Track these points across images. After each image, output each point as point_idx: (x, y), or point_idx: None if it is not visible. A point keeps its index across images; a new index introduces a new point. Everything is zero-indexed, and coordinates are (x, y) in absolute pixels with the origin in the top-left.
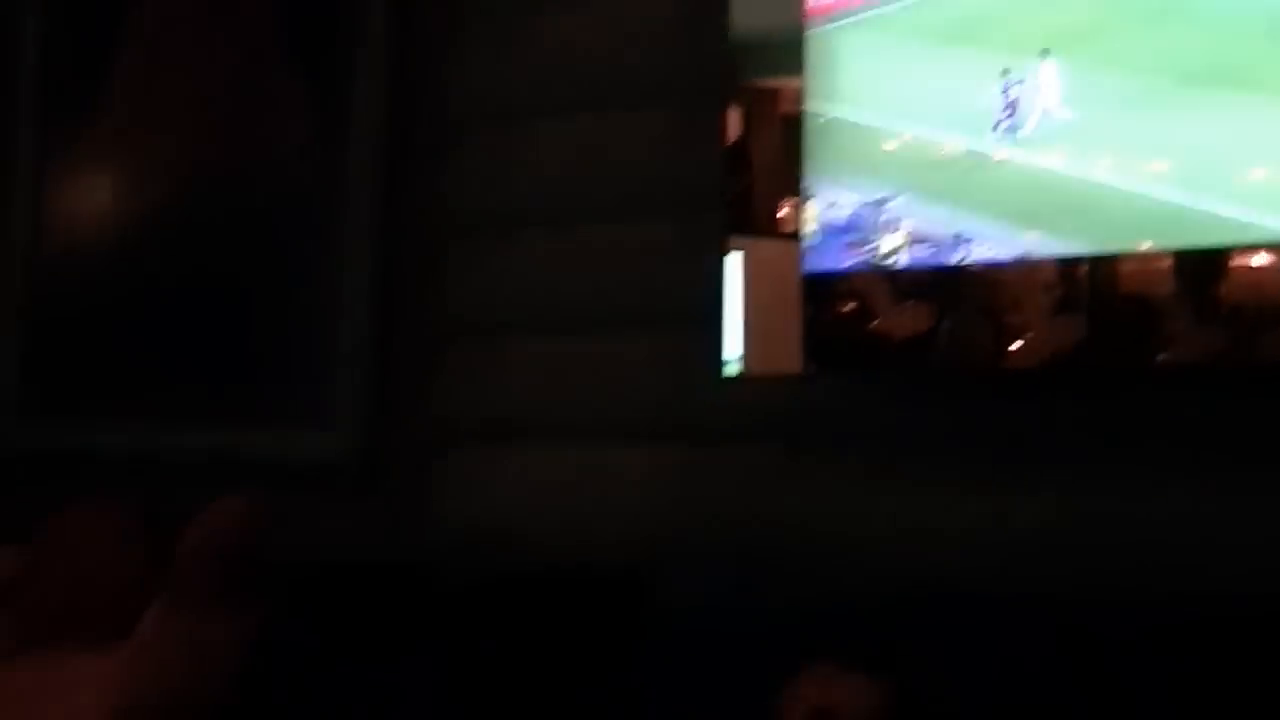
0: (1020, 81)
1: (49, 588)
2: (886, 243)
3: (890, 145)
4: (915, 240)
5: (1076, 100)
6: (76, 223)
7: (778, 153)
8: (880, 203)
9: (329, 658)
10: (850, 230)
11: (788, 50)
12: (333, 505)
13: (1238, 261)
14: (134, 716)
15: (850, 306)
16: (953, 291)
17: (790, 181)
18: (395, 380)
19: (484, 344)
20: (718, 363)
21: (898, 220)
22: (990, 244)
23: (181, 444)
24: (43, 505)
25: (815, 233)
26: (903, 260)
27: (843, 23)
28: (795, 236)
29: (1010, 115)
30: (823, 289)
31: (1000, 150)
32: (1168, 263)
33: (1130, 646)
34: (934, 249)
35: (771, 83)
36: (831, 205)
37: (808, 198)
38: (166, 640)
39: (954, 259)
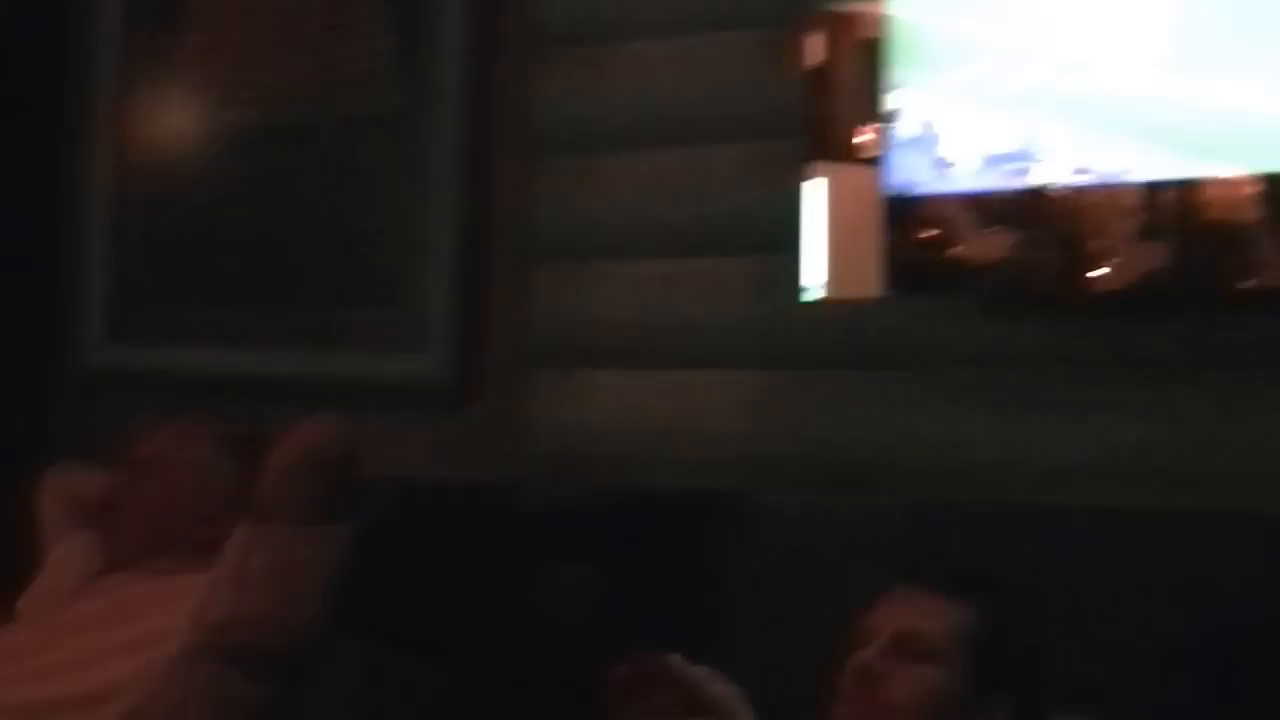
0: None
1: (140, 506)
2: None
3: (980, 67)
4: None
5: (1176, 22)
6: (164, 144)
7: (858, 77)
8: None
9: (419, 575)
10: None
11: None
12: (425, 426)
13: None
14: (223, 634)
15: (932, 232)
16: (1035, 217)
17: (871, 106)
18: (487, 301)
19: (574, 266)
20: (799, 287)
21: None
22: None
23: (274, 365)
24: (134, 425)
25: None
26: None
27: None
28: (876, 161)
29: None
30: (904, 214)
31: (1093, 73)
32: (1255, 188)
33: (1216, 567)
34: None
35: (852, 7)
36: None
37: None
38: (254, 558)
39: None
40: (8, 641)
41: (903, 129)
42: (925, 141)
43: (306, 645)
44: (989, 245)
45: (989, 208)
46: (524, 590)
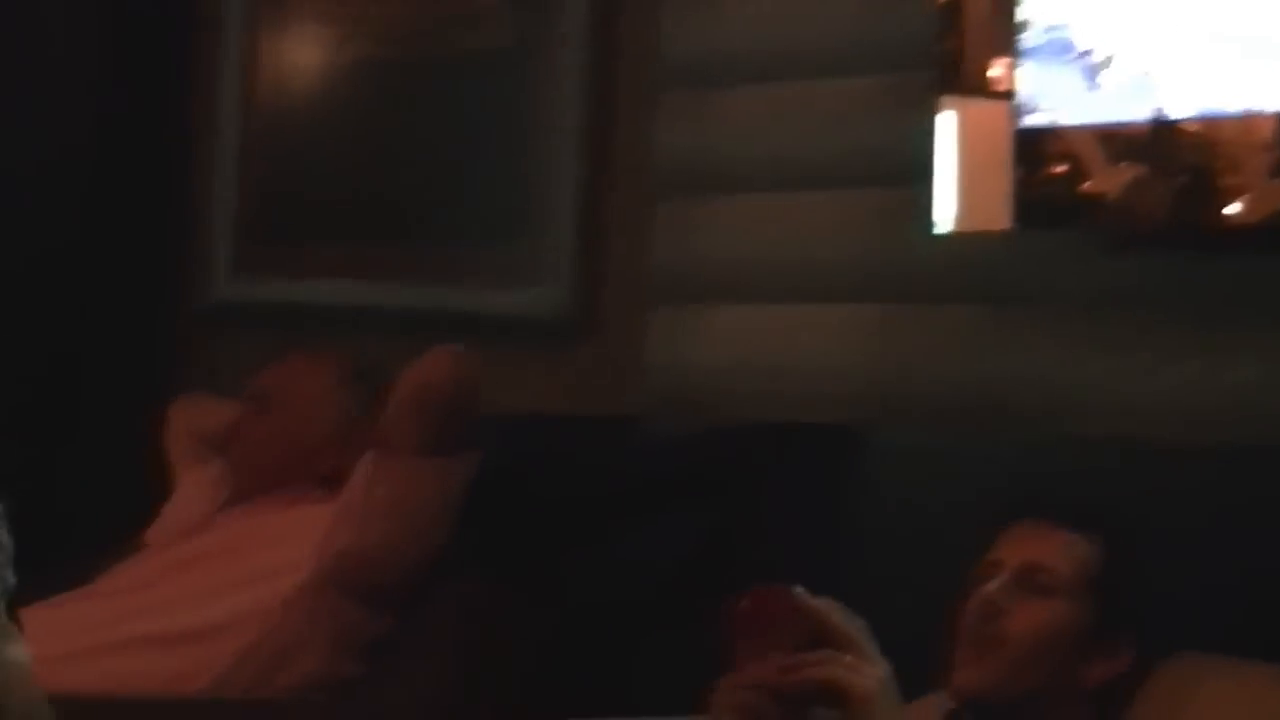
0: None
1: (263, 439)
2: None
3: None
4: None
5: None
6: (288, 81)
7: (990, 11)
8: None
9: (539, 508)
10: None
11: None
12: (546, 360)
13: None
14: (345, 566)
15: (1063, 166)
16: (1167, 151)
17: (1003, 39)
18: (608, 236)
19: (695, 199)
20: (928, 220)
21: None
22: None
23: (396, 299)
24: (259, 358)
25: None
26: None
27: None
28: (1007, 95)
29: None
30: (1035, 148)
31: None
32: None
33: None
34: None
35: None
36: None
37: None
38: (377, 491)
39: None
40: (134, 572)
41: (1036, 54)
42: (1063, 67)
43: (426, 577)
44: (1120, 180)
45: (1121, 141)
46: (642, 524)
